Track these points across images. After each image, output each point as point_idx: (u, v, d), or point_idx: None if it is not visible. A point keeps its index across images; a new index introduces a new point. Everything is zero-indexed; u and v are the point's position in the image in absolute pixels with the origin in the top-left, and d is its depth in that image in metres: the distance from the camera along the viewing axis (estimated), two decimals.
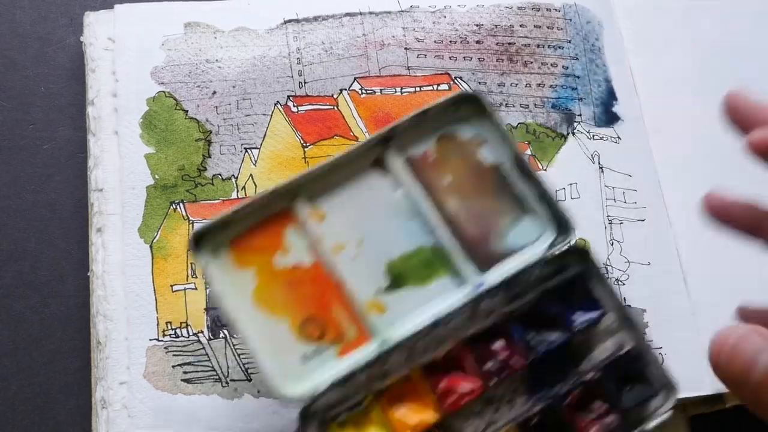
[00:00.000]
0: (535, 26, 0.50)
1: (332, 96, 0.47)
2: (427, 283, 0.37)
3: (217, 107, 0.46)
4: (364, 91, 0.47)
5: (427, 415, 0.36)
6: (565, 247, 0.37)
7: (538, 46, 0.49)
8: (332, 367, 0.35)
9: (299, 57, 0.47)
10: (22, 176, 0.45)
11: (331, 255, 0.37)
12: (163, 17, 0.47)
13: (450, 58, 0.48)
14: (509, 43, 0.49)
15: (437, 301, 0.37)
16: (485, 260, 0.38)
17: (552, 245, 0.38)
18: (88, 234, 0.43)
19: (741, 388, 0.28)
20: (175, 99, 0.45)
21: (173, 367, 0.41)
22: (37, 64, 0.47)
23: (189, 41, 0.46)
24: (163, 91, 0.45)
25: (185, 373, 0.41)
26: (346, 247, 0.37)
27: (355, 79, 0.47)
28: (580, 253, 0.38)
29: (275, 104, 0.46)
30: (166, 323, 0.42)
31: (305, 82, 0.47)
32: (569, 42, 0.50)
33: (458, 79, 0.48)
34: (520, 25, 0.50)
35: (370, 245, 0.37)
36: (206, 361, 0.41)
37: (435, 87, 0.48)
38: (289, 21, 0.48)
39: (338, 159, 0.36)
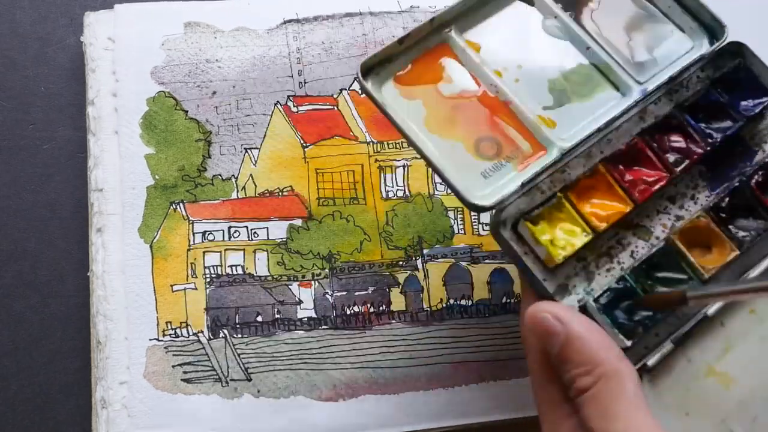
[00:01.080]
0: None
1: (332, 96, 0.47)
2: (590, 97, 0.39)
3: (217, 107, 0.46)
4: None
5: (619, 206, 0.36)
6: (719, 48, 0.38)
7: None
8: (513, 180, 0.36)
9: (299, 57, 0.47)
10: (22, 176, 0.45)
11: (495, 78, 0.38)
12: (163, 17, 0.47)
13: None
14: None
15: (604, 111, 0.38)
16: (642, 74, 0.39)
17: (706, 48, 0.39)
18: (88, 234, 0.43)
19: None
20: (175, 99, 0.45)
21: (173, 366, 0.41)
22: (37, 64, 0.47)
23: (189, 41, 0.46)
24: (163, 91, 0.45)
25: (185, 372, 0.41)
26: (507, 71, 0.39)
27: (355, 79, 0.47)
28: (736, 47, 0.38)
29: (275, 104, 0.46)
30: (166, 323, 0.42)
31: (305, 82, 0.47)
32: None
33: None
34: None
35: (528, 68, 0.39)
36: (206, 360, 0.41)
37: None
38: (289, 21, 0.48)
39: None
